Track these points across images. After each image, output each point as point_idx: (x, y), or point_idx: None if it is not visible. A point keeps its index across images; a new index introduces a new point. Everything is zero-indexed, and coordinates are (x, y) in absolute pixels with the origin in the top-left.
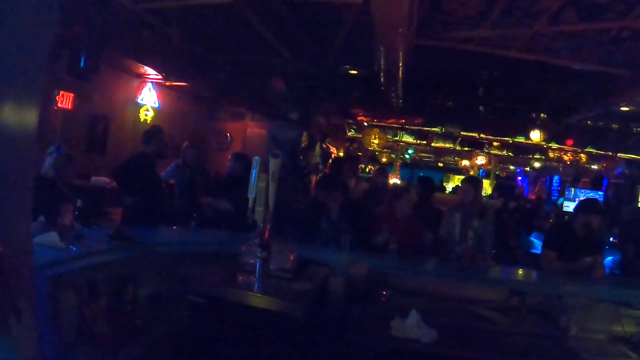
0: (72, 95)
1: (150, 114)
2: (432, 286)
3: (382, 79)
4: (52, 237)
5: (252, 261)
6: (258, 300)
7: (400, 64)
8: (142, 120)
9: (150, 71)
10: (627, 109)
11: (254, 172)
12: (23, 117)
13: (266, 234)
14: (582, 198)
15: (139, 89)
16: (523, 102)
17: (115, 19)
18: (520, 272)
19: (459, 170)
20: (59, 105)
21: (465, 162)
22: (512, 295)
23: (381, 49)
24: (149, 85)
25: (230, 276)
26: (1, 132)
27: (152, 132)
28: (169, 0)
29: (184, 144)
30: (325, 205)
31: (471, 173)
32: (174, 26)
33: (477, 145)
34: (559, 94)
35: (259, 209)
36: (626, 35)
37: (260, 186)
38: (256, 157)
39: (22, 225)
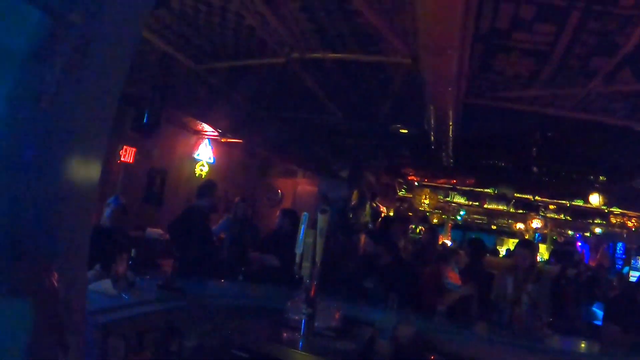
0: (134, 149)
1: (206, 169)
2: (482, 352)
3: (432, 138)
4: (106, 285)
5: (297, 318)
6: (302, 358)
7: (450, 123)
8: (197, 175)
9: (207, 128)
10: None
11: (302, 228)
12: (87, 170)
13: (312, 291)
14: None
15: (196, 144)
16: (580, 164)
17: (176, 79)
18: (580, 343)
19: (513, 234)
20: (122, 159)
21: (519, 225)
22: None
23: (431, 107)
24: (206, 141)
25: (275, 332)
26: (67, 184)
27: (206, 186)
28: (226, 61)
29: (236, 200)
30: (372, 263)
31: (526, 237)
32: (231, 85)
33: (532, 208)
34: (619, 156)
35: (306, 264)
36: None
37: (307, 242)
38: (305, 213)
39: (80, 271)
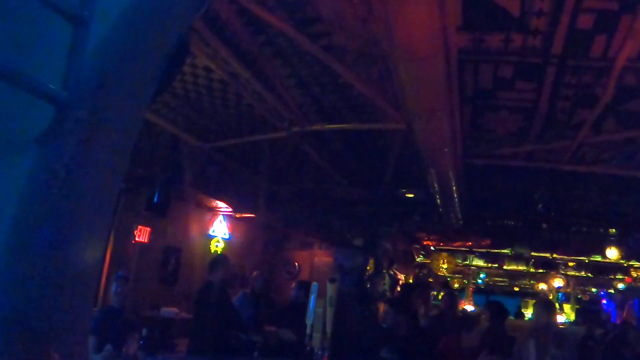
0: (148, 229)
1: (221, 245)
2: None
3: (438, 201)
4: None
5: None
6: None
7: (453, 184)
8: (212, 251)
9: (221, 204)
10: None
11: (312, 298)
12: (93, 250)
13: None
14: None
15: (211, 221)
16: (592, 217)
17: (185, 158)
18: None
19: (536, 295)
20: (137, 239)
21: (542, 286)
22: None
23: (431, 170)
24: (220, 217)
25: None
26: (73, 264)
27: (218, 260)
28: (232, 138)
29: (254, 274)
30: (391, 333)
31: (550, 297)
32: (238, 161)
33: (551, 266)
34: (628, 206)
35: (317, 335)
36: None
37: (317, 312)
38: (314, 283)
39: (81, 349)
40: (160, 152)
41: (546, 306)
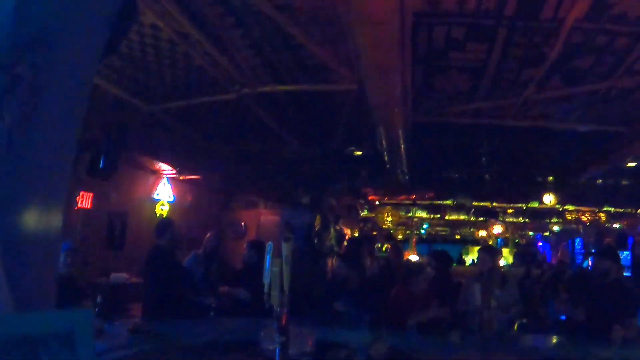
0: (91, 194)
1: (166, 208)
2: (456, 358)
3: (386, 158)
4: None
5: (271, 347)
6: None
7: (402, 142)
8: (158, 214)
9: (165, 167)
10: (634, 164)
11: (267, 258)
12: (48, 220)
13: (284, 319)
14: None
15: (155, 184)
16: (530, 167)
17: (131, 120)
18: (548, 340)
19: (477, 242)
20: (79, 205)
21: (482, 233)
22: None
23: (381, 129)
24: (164, 180)
25: None
26: (28, 234)
27: (163, 224)
28: (179, 99)
29: (207, 235)
30: (342, 286)
31: (490, 242)
32: (186, 123)
33: (491, 214)
34: (564, 156)
35: (275, 293)
36: (614, 94)
37: (274, 271)
38: (270, 243)
39: None
40: (103, 114)
41: (490, 252)
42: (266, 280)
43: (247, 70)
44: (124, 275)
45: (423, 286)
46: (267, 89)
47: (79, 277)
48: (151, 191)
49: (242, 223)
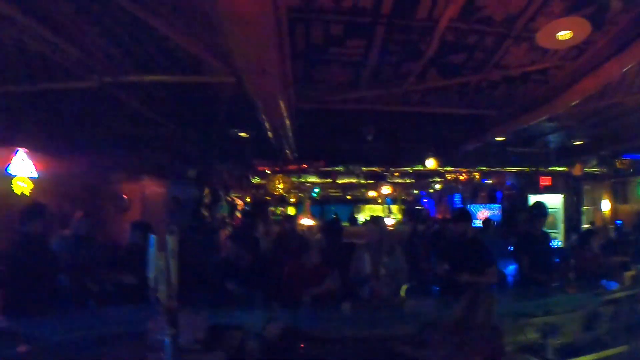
0: None
1: (26, 185)
2: (348, 330)
3: (273, 140)
4: None
5: (160, 338)
6: None
7: (287, 127)
8: (18, 193)
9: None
10: (502, 138)
11: (151, 251)
12: None
13: (171, 310)
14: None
15: (8, 158)
16: (415, 143)
17: None
18: (430, 302)
19: (367, 201)
20: None
21: (372, 193)
22: (425, 326)
23: (263, 116)
24: (21, 153)
25: (140, 357)
26: None
27: (32, 209)
28: (23, 84)
29: (77, 215)
30: (234, 264)
31: (379, 201)
32: (36, 107)
33: (380, 178)
34: (445, 134)
35: (161, 287)
36: (485, 85)
37: (159, 265)
38: (152, 235)
39: None
40: None
41: (376, 223)
42: (151, 274)
43: (103, 59)
44: None
45: (316, 260)
46: (132, 78)
47: None
48: (2, 166)
49: (125, 196)
